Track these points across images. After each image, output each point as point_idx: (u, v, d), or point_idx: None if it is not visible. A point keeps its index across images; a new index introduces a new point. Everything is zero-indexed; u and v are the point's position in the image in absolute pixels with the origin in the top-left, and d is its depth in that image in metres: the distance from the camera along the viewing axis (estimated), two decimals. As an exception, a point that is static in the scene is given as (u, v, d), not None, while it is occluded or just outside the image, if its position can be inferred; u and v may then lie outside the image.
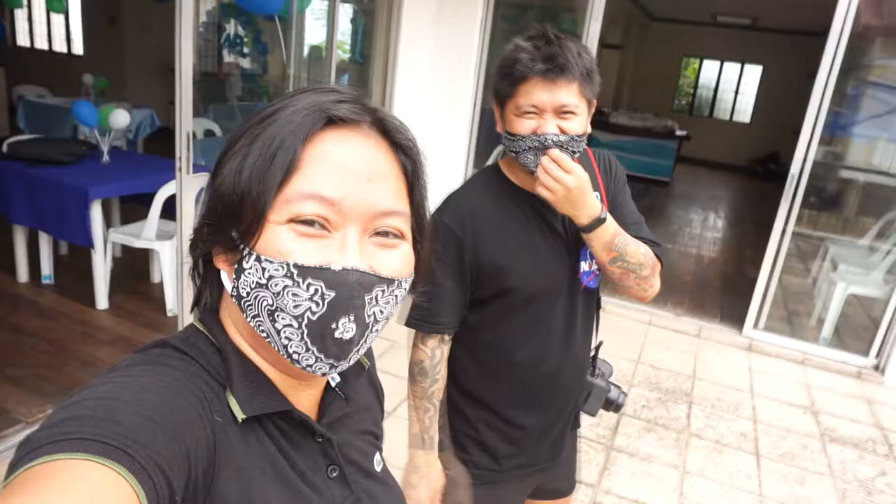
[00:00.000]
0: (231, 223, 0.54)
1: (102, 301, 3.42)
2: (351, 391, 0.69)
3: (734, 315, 4.44)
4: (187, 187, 2.75)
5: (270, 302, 0.53)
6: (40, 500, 0.38)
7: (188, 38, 2.48)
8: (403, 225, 0.58)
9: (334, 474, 0.63)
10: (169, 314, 3.41)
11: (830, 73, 3.74)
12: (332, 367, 0.55)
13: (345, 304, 0.52)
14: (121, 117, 3.43)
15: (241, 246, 0.53)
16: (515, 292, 1.25)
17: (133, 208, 3.86)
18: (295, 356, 0.54)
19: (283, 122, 0.54)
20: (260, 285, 0.53)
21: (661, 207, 8.81)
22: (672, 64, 12.79)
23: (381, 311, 0.56)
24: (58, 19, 9.15)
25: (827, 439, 3.21)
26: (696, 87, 13.25)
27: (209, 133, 5.35)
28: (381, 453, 0.74)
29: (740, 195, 10.51)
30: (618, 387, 1.47)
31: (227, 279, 0.57)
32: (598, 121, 9.96)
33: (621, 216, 1.33)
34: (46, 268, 3.60)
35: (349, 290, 0.52)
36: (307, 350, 0.53)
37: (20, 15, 9.46)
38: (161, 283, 3.56)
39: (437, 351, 1.28)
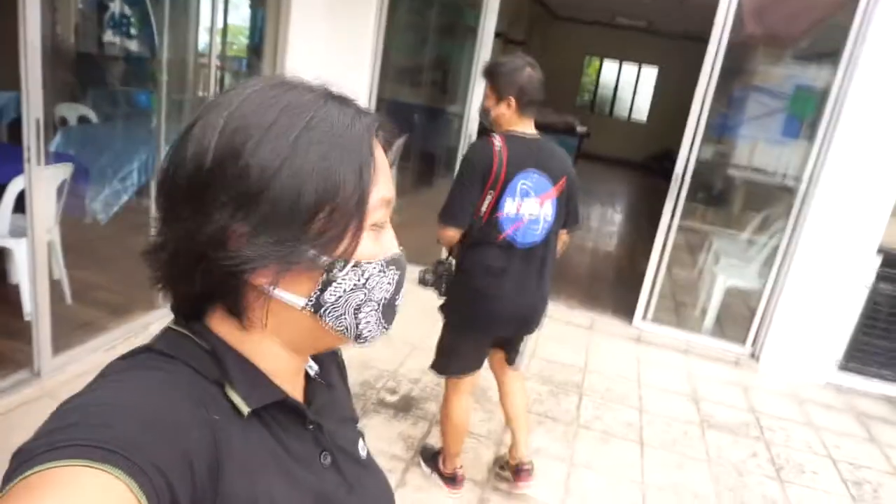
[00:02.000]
0: (301, 241, 0.54)
1: (-56, 306, 3.05)
2: (328, 377, 0.73)
3: (625, 307, 4.59)
4: (39, 180, 2.47)
5: (363, 297, 0.59)
6: None
7: (34, 3, 2.20)
8: None
9: (327, 461, 0.65)
10: (26, 318, 3.08)
11: (711, 77, 3.92)
12: (384, 331, 0.63)
13: (402, 280, 0.64)
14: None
15: (329, 261, 0.56)
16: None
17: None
18: (366, 334, 0.61)
19: (350, 135, 0.56)
20: (356, 287, 0.58)
21: (563, 202, 9.02)
22: (575, 62, 13.17)
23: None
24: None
25: (706, 425, 3.36)
26: (596, 85, 13.71)
27: (83, 119, 4.93)
28: (363, 439, 0.75)
29: (636, 191, 10.97)
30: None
31: (291, 295, 0.57)
32: (503, 116, 10.05)
33: None
34: None
35: (404, 267, 0.63)
36: (378, 325, 0.62)
37: None
38: (18, 285, 3.22)
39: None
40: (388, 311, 0.63)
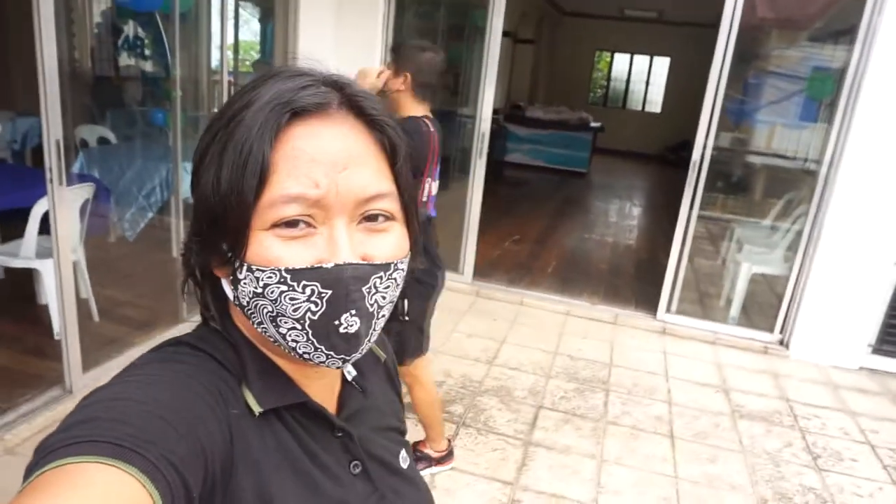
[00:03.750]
0: (218, 236, 0.53)
1: (-23, 328, 3.12)
2: (368, 383, 0.70)
3: (648, 300, 4.54)
4: (62, 200, 2.52)
5: (270, 308, 0.52)
6: None
7: (49, 25, 2.24)
8: (391, 205, 0.56)
9: (357, 470, 0.62)
10: (56, 338, 3.14)
11: (723, 64, 3.87)
12: (343, 360, 0.55)
13: (343, 300, 0.52)
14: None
15: (232, 258, 0.53)
16: None
17: (13, 226, 3.55)
18: (306, 356, 0.54)
19: (248, 123, 0.51)
20: (257, 294, 0.52)
21: (579, 198, 8.98)
22: (585, 58, 13.11)
23: (384, 297, 0.55)
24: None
25: (737, 416, 3.31)
26: (608, 79, 13.63)
27: (103, 141, 5.01)
28: (407, 450, 0.73)
29: (654, 183, 10.86)
30: None
31: (227, 288, 0.56)
32: (515, 115, 10.06)
33: None
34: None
35: (345, 286, 0.52)
36: (315, 349, 0.54)
37: None
38: (47, 306, 3.28)
39: None
40: (324, 335, 0.53)
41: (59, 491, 0.39)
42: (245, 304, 0.54)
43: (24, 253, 3.07)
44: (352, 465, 0.62)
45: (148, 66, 6.78)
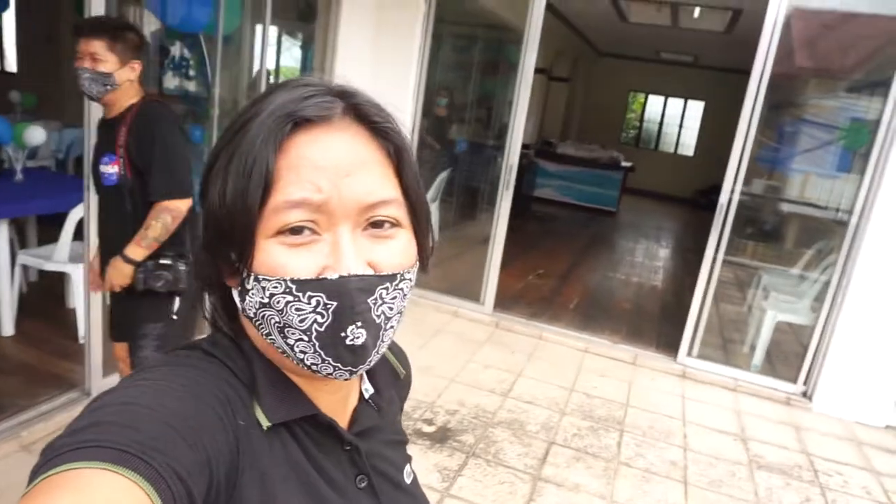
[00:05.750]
0: (226, 246, 0.53)
1: (8, 327, 3.22)
2: (383, 402, 0.70)
3: (670, 343, 4.48)
4: (95, 208, 2.60)
5: (277, 319, 0.53)
6: None
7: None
8: (397, 211, 0.55)
9: (363, 484, 0.62)
10: (80, 341, 3.22)
11: (753, 110, 3.87)
12: (351, 372, 0.54)
13: (349, 313, 0.52)
14: (36, 134, 3.28)
15: (240, 268, 0.53)
16: None
17: (56, 230, 3.68)
18: (313, 367, 0.54)
19: (253, 133, 0.52)
20: (263, 304, 0.53)
21: (606, 237, 8.94)
22: (619, 98, 13.17)
23: (391, 308, 0.55)
24: (-10, 36, 8.86)
25: (755, 466, 3.22)
26: (641, 120, 13.65)
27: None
28: (410, 465, 0.73)
29: (683, 226, 10.77)
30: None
31: (237, 299, 0.57)
32: (546, 151, 10.12)
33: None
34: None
35: (350, 299, 0.51)
36: (323, 361, 0.53)
37: (-49, 31, 9.11)
38: (75, 309, 3.37)
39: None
40: (331, 347, 0.53)
41: (62, 495, 0.39)
42: (253, 314, 0.55)
43: (57, 257, 3.17)
44: (358, 479, 0.62)
45: (191, 86, 7.04)
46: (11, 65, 8.95)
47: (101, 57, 1.91)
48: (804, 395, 4.03)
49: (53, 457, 0.42)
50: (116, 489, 0.40)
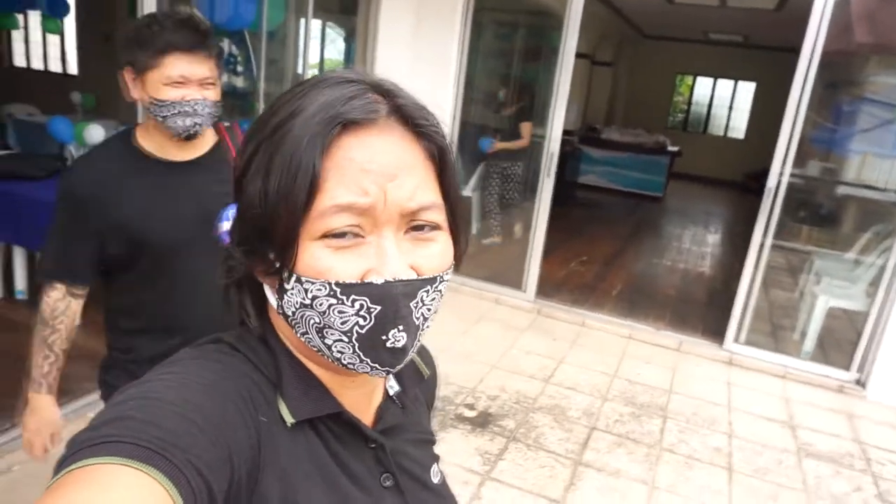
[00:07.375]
0: (266, 246, 0.53)
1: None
2: (408, 400, 0.69)
3: (716, 330, 4.41)
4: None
5: (318, 320, 0.52)
6: None
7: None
8: (437, 216, 0.56)
9: (388, 483, 0.62)
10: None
11: (803, 88, 3.77)
12: (388, 372, 0.55)
13: (392, 317, 0.52)
14: (95, 133, 3.45)
15: (280, 268, 0.53)
16: (151, 247, 1.37)
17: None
18: (350, 366, 0.54)
19: (297, 134, 0.51)
20: (304, 305, 0.52)
21: (651, 223, 8.80)
22: (665, 81, 12.86)
23: (429, 310, 0.55)
24: (53, 40, 9.27)
25: (803, 454, 3.17)
26: (689, 103, 13.31)
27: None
28: (438, 464, 0.72)
29: (733, 211, 10.49)
30: None
31: (271, 296, 0.57)
32: (590, 137, 10.00)
33: None
34: (20, 283, 3.60)
35: (395, 303, 0.52)
36: (361, 361, 0.53)
37: (17, 36, 9.58)
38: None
39: (61, 303, 1.40)
40: (371, 349, 0.53)
41: (80, 491, 0.39)
42: (291, 313, 0.54)
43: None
44: (383, 478, 0.62)
45: (239, 82, 7.24)
46: (73, 67, 9.37)
47: (212, 80, 1.35)
48: (857, 382, 3.91)
49: (76, 451, 0.43)
50: (135, 485, 0.40)
